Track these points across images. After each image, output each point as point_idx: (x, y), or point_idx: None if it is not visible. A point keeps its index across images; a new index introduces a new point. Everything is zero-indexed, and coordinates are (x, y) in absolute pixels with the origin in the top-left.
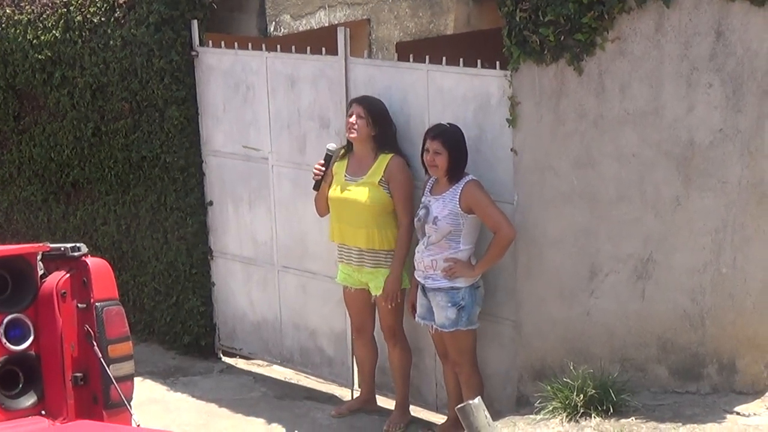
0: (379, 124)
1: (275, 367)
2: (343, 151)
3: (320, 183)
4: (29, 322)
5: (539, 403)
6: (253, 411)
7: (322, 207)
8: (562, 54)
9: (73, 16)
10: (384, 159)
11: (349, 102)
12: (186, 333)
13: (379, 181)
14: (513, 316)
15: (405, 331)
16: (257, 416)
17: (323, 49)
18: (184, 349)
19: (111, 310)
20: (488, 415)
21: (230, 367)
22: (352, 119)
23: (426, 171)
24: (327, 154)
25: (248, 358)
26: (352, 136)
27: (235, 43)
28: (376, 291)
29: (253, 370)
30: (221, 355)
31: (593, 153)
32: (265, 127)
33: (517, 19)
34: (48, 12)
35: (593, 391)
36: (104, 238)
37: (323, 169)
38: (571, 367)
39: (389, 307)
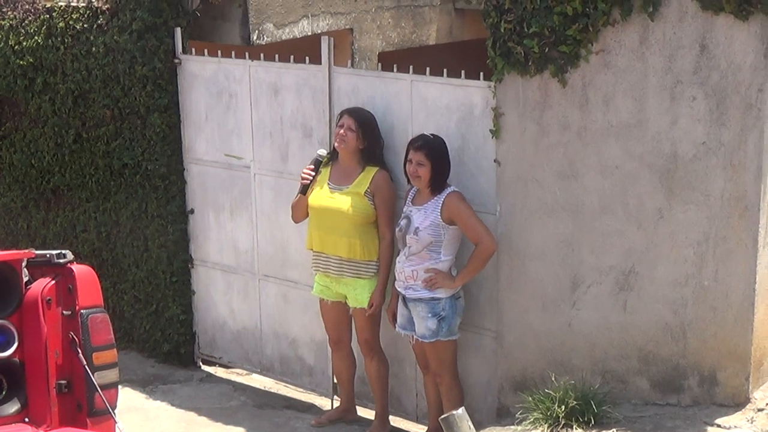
0: (368, 137)
1: (255, 376)
2: (327, 158)
3: (308, 188)
4: (13, 329)
5: (520, 414)
6: (232, 420)
7: (301, 213)
8: (546, 66)
9: (56, 23)
10: (370, 171)
11: (340, 112)
12: (166, 341)
13: (364, 192)
14: (495, 327)
15: (385, 340)
16: (237, 425)
17: (307, 58)
18: (164, 357)
19: (96, 318)
20: (471, 426)
21: (210, 375)
22: (342, 131)
23: (408, 181)
24: (317, 159)
25: (228, 367)
26: (341, 147)
27: (219, 51)
28: (354, 303)
29: (232, 379)
30: (201, 364)
31: (576, 165)
32: (248, 135)
33: (502, 30)
34: (30, 18)
35: (574, 402)
36: (84, 245)
37: (312, 174)
38: (553, 379)
39: (368, 315)
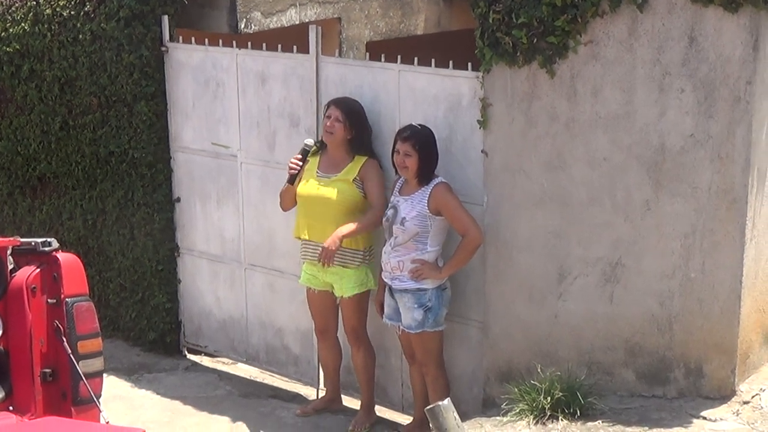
0: (355, 127)
1: (240, 365)
2: (315, 148)
3: (296, 177)
4: None
5: (506, 405)
6: (217, 409)
7: (289, 201)
8: (534, 56)
9: (43, 9)
10: (359, 160)
11: (327, 103)
12: (151, 329)
13: (353, 179)
14: (481, 318)
15: (371, 330)
16: (222, 414)
17: (294, 47)
18: (149, 346)
19: (81, 306)
20: (457, 417)
21: (195, 364)
22: (330, 122)
23: (396, 171)
24: (304, 149)
25: (213, 356)
26: (329, 139)
27: (206, 40)
28: (340, 293)
29: (218, 368)
30: (186, 353)
31: (564, 156)
32: (235, 124)
33: (490, 20)
34: (17, 4)
35: (560, 393)
36: (70, 233)
37: (300, 163)
38: (539, 370)
39: (324, 265)
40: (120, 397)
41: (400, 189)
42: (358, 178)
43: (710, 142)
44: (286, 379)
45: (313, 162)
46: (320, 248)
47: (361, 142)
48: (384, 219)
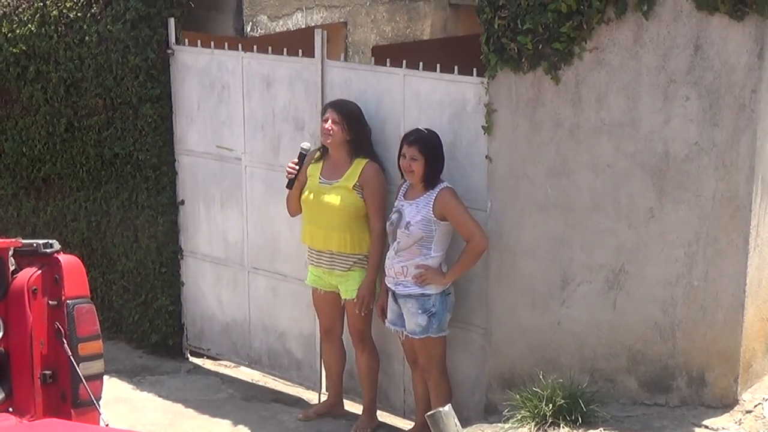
0: (354, 128)
1: (243, 368)
2: (318, 154)
3: (293, 181)
4: None
5: (508, 412)
6: (219, 412)
7: (294, 208)
8: (539, 62)
9: (49, 11)
10: (359, 163)
11: (324, 106)
12: (154, 332)
13: (353, 186)
14: (483, 324)
15: (374, 335)
16: (223, 417)
17: (300, 51)
18: (152, 348)
19: (82, 308)
20: (458, 423)
21: (197, 367)
22: (327, 125)
23: (402, 175)
24: (301, 153)
25: (216, 359)
26: (327, 141)
27: (212, 43)
28: (346, 295)
29: (220, 371)
30: (189, 355)
31: (568, 162)
32: (240, 127)
33: (496, 26)
34: (24, 6)
35: (562, 400)
36: (74, 234)
37: (297, 167)
38: (541, 376)
39: (362, 314)
40: (121, 400)
41: (405, 193)
42: (358, 183)
43: (715, 150)
44: (289, 383)
45: (317, 168)
46: (324, 255)
47: (361, 143)
48: (388, 223)
